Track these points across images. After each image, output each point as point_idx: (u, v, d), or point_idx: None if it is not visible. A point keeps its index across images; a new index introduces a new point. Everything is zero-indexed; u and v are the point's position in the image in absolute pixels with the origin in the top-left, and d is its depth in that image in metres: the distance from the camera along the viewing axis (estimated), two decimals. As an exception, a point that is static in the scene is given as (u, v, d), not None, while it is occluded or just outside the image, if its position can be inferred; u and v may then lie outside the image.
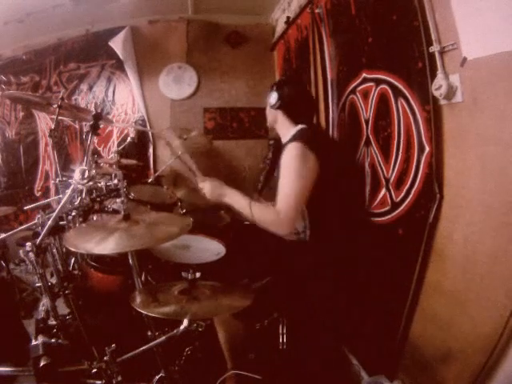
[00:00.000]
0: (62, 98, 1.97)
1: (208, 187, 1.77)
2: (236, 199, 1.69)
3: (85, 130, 3.34)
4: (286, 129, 1.81)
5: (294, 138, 1.67)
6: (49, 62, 3.51)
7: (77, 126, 3.50)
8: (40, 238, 1.26)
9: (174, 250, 1.63)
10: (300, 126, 1.76)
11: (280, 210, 1.54)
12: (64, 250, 1.58)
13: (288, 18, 2.88)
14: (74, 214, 1.62)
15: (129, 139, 3.43)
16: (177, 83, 3.43)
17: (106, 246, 1.11)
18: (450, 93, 1.24)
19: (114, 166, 2.70)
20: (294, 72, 2.92)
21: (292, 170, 1.57)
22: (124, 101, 3.47)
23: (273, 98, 1.80)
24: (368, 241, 1.81)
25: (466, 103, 1.21)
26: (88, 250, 1.15)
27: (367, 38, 1.73)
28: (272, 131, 1.98)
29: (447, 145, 1.31)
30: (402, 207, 1.53)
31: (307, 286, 1.67)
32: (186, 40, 3.44)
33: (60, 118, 1.99)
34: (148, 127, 3.39)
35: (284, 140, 1.81)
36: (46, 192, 3.54)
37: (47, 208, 1.97)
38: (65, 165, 3.33)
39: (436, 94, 1.28)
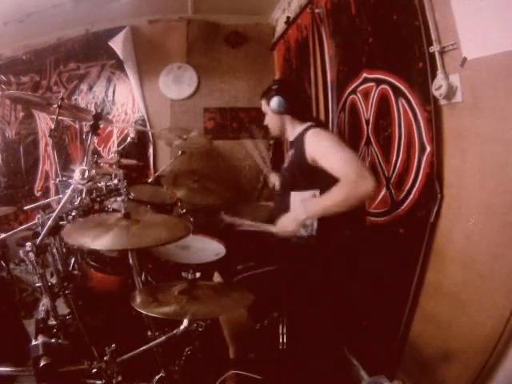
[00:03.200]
0: (62, 98, 1.97)
1: (284, 226, 1.57)
2: (311, 208, 1.52)
3: (85, 129, 3.33)
4: (293, 129, 1.81)
5: (308, 128, 1.69)
6: (49, 62, 3.51)
7: (77, 126, 3.50)
8: (40, 238, 1.26)
9: (173, 250, 1.63)
10: (308, 123, 1.76)
11: (347, 173, 1.43)
12: (64, 250, 1.58)
13: (288, 17, 2.88)
14: (74, 213, 1.62)
15: (129, 139, 3.43)
16: (177, 83, 3.42)
17: (101, 242, 1.12)
18: (450, 93, 1.24)
19: (114, 166, 2.70)
20: (294, 72, 2.92)
21: (332, 143, 1.56)
22: (124, 101, 3.47)
23: (277, 103, 1.75)
24: (368, 240, 1.81)
25: (466, 103, 1.21)
26: (83, 244, 1.16)
27: (367, 37, 1.73)
28: (281, 136, 1.95)
29: (447, 145, 1.31)
30: (402, 207, 1.53)
31: (307, 286, 1.67)
32: (185, 40, 3.44)
33: (60, 117, 1.99)
34: (148, 127, 3.39)
35: (292, 137, 1.82)
36: (46, 192, 3.53)
37: (47, 208, 1.97)
38: (65, 165, 3.32)
39: (436, 94, 1.28)
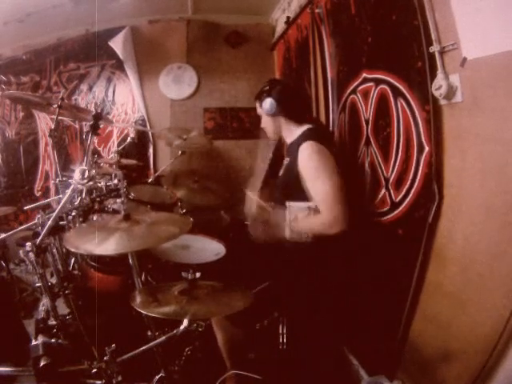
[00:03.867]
0: (62, 98, 1.97)
1: (273, 226, 1.69)
2: (296, 225, 1.64)
3: (85, 129, 3.33)
4: (290, 131, 1.79)
5: (305, 138, 1.66)
6: (49, 61, 3.51)
7: (77, 126, 3.50)
8: (40, 238, 1.26)
9: (174, 250, 1.63)
10: (306, 126, 1.74)
11: (323, 211, 1.53)
12: (64, 250, 1.58)
13: (288, 17, 2.88)
14: (74, 213, 1.63)
15: (129, 139, 3.43)
16: (177, 83, 3.42)
17: (107, 246, 1.11)
18: (450, 93, 1.24)
19: (114, 166, 2.70)
20: (294, 72, 2.93)
21: (320, 169, 1.55)
22: (124, 101, 3.47)
23: (269, 105, 1.73)
24: (368, 241, 1.81)
25: (466, 103, 1.21)
26: (89, 251, 1.15)
27: (367, 37, 1.73)
28: (276, 139, 1.93)
29: (447, 145, 1.31)
30: (401, 207, 1.53)
31: (307, 286, 1.67)
32: (185, 40, 3.44)
33: (60, 117, 1.99)
34: (148, 127, 3.39)
35: (289, 141, 1.80)
36: (46, 192, 3.53)
37: (47, 208, 1.97)
38: (65, 165, 3.33)
39: (436, 93, 1.28)
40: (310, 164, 1.58)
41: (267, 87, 1.79)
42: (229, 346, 1.68)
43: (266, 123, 1.85)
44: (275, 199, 1.92)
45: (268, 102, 1.74)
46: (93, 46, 3.40)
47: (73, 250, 1.15)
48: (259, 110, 1.85)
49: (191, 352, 1.67)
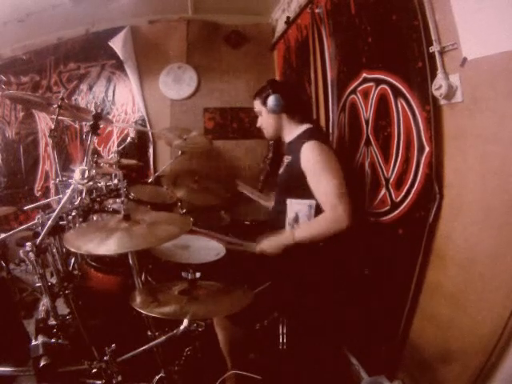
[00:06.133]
0: (62, 98, 1.97)
1: (267, 248, 1.65)
2: (299, 234, 1.61)
3: (85, 129, 3.34)
4: (290, 129, 1.80)
5: (307, 137, 1.67)
6: (49, 61, 3.51)
7: (77, 126, 3.50)
8: (40, 238, 1.26)
9: (173, 250, 1.63)
10: (306, 126, 1.76)
11: (329, 207, 1.53)
12: (64, 250, 1.58)
13: (288, 18, 2.88)
14: (74, 213, 1.63)
15: (129, 139, 3.43)
16: (177, 83, 3.42)
17: (107, 247, 1.11)
18: (450, 93, 1.24)
19: (114, 166, 2.70)
20: (294, 72, 2.93)
21: (322, 167, 1.57)
22: (124, 101, 3.47)
23: (273, 101, 1.72)
24: (368, 240, 1.81)
25: (466, 103, 1.21)
26: (90, 251, 1.15)
27: (367, 37, 1.73)
28: (276, 137, 1.91)
29: (447, 145, 1.31)
30: (401, 207, 1.53)
31: (307, 286, 1.67)
32: (185, 40, 3.44)
33: (60, 117, 1.99)
34: (148, 127, 3.39)
35: (288, 139, 1.81)
36: (46, 192, 3.53)
37: (47, 208, 1.97)
38: (65, 165, 3.33)
39: (436, 93, 1.28)
40: (315, 163, 1.59)
41: (269, 86, 1.79)
42: (230, 345, 1.68)
43: (267, 121, 1.83)
44: (275, 198, 1.93)
45: (272, 99, 1.73)
46: (93, 46, 3.41)
47: (73, 250, 1.15)
48: (259, 108, 1.84)
49: (191, 352, 1.67)
